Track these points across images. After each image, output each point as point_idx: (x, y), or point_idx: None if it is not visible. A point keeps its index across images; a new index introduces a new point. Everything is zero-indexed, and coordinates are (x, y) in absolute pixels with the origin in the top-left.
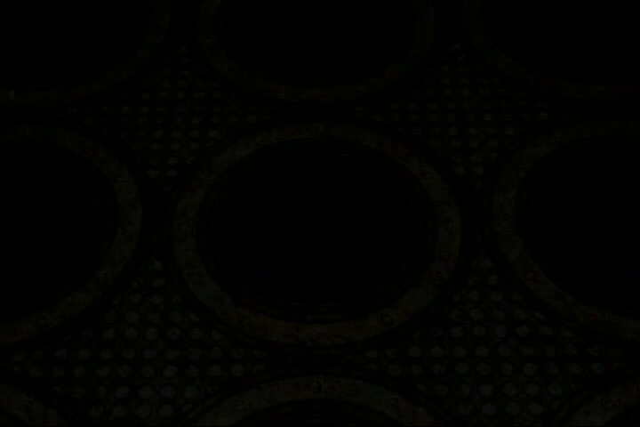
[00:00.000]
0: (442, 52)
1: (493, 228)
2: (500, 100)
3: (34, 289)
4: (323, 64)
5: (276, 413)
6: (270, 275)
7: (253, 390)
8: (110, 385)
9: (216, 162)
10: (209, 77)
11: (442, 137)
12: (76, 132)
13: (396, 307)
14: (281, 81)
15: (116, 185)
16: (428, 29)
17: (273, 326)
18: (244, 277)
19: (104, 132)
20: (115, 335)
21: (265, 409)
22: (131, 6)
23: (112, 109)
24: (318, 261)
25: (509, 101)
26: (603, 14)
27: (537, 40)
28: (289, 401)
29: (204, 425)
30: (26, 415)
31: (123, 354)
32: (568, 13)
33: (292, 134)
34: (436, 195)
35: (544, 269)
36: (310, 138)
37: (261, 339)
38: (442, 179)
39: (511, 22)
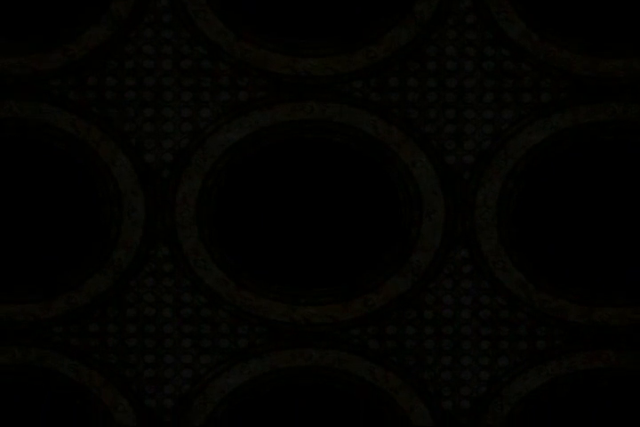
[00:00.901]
0: (451, 9)
1: (474, 220)
2: (503, 76)
3: (57, 271)
4: (316, 31)
5: (277, 376)
6: (268, 262)
7: (257, 359)
8: (139, 353)
9: (211, 145)
10: (195, 42)
11: (437, 121)
12: (64, 108)
13: (379, 293)
14: (276, 49)
15: (114, 170)
16: None
17: (271, 308)
18: (246, 264)
19: (93, 109)
20: (136, 313)
21: (266, 373)
22: None
23: (96, 81)
24: (311, 246)
25: (513, 78)
26: None
27: (554, 5)
28: (287, 367)
29: (218, 385)
30: (74, 374)
31: (145, 329)
32: None
33: (286, 114)
34: (425, 185)
35: (513, 261)
36: (304, 120)
37: (262, 318)
38: (433, 168)
39: None
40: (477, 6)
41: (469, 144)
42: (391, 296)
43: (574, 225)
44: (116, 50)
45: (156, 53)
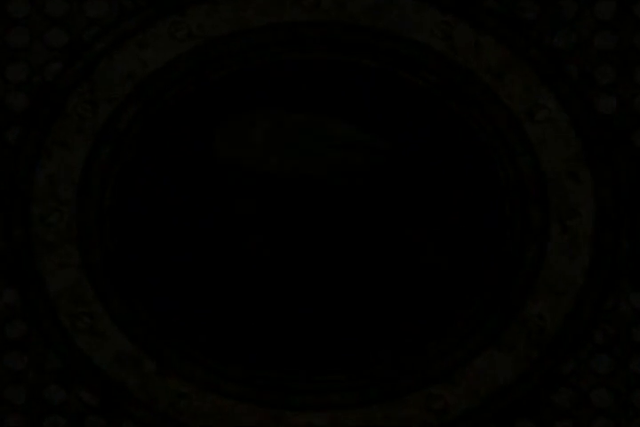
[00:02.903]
0: None
1: None
2: None
3: None
4: None
5: None
6: (223, 319)
7: None
8: None
9: (107, 75)
10: None
11: None
12: None
13: (456, 383)
14: None
15: None
16: None
17: (232, 415)
18: (177, 326)
19: None
20: None
21: None
22: None
23: None
24: (309, 290)
25: None
26: None
27: None
28: None
29: None
30: None
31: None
32: None
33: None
34: (553, 162)
35: None
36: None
37: None
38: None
39: None
40: None
41: None
42: (487, 388)
43: None
44: None
45: None
